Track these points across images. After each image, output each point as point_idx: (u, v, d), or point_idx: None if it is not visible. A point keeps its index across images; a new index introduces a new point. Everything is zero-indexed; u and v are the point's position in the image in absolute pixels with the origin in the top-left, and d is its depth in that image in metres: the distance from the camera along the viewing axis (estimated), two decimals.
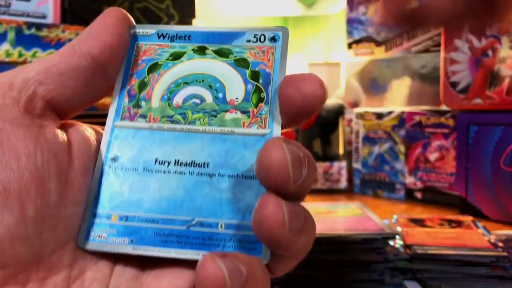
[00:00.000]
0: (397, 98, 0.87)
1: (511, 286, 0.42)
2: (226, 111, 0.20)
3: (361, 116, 0.85)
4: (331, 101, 0.93)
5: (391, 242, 0.46)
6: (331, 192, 0.86)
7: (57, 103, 0.18)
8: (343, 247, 0.44)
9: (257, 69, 0.20)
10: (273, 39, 0.20)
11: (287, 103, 0.19)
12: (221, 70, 0.20)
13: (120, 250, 0.18)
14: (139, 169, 0.19)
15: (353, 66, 0.93)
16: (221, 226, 0.18)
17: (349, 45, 0.96)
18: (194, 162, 0.19)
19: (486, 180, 0.65)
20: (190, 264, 0.18)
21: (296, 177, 0.16)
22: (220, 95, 0.20)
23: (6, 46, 0.60)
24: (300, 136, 0.85)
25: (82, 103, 0.19)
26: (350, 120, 0.92)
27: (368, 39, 0.93)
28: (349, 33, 0.95)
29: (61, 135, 0.18)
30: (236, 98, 0.20)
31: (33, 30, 0.62)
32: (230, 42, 0.21)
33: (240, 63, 0.20)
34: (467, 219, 0.56)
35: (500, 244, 0.47)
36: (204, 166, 0.19)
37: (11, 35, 0.61)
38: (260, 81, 0.20)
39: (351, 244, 0.44)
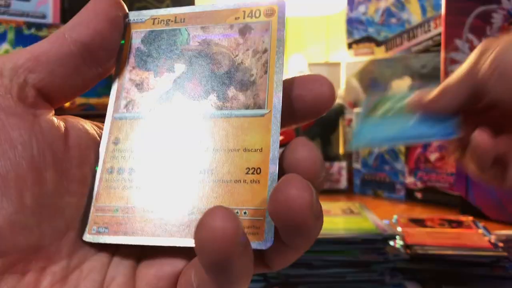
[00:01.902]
0: None
1: (511, 286, 0.42)
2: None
3: None
4: None
5: (391, 242, 0.46)
6: (331, 192, 0.86)
7: (48, 91, 0.18)
8: (343, 247, 0.44)
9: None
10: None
11: (300, 103, 0.19)
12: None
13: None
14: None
15: (353, 66, 0.93)
16: None
17: (349, 45, 0.96)
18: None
19: None
20: (184, 254, 0.18)
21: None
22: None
23: (6, 46, 0.60)
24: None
25: (73, 90, 0.19)
26: (350, 120, 0.92)
27: (368, 39, 0.93)
28: (349, 33, 0.95)
29: (57, 124, 0.18)
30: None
31: (33, 30, 0.62)
32: None
33: None
34: (467, 219, 0.56)
35: (500, 244, 0.47)
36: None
37: (10, 35, 0.61)
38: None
39: (351, 244, 0.44)
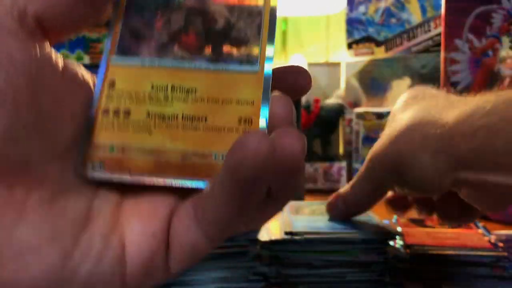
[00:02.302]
0: (397, 98, 0.86)
1: (511, 286, 0.42)
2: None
3: (361, 116, 0.85)
4: (331, 101, 0.93)
5: (391, 242, 0.46)
6: (331, 192, 0.86)
7: (45, 24, 0.18)
8: (343, 247, 0.44)
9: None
10: None
11: (281, 87, 0.20)
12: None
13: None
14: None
15: (353, 66, 0.93)
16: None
17: (349, 45, 0.96)
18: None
19: None
20: (173, 193, 0.19)
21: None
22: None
23: None
24: None
25: (68, 28, 0.20)
26: (350, 120, 0.92)
27: (368, 39, 0.93)
28: (349, 33, 0.95)
29: (55, 55, 0.19)
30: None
31: None
32: None
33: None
34: None
35: (500, 244, 0.47)
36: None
37: None
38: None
39: (351, 244, 0.44)
